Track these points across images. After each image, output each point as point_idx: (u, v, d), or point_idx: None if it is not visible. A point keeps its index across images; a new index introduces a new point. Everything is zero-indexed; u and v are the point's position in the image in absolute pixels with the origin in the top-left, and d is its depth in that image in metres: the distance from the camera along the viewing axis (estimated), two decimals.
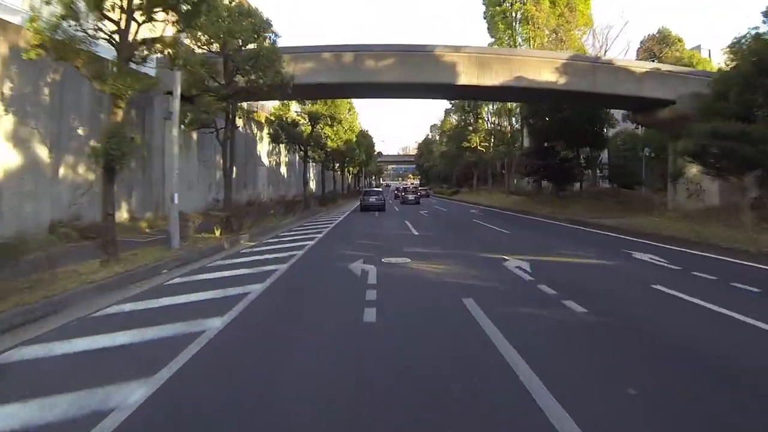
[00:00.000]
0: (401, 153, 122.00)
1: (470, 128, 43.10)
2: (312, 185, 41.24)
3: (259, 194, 25.90)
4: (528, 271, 6.87)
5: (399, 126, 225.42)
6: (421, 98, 26.55)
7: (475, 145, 40.29)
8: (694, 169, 15.32)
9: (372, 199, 23.71)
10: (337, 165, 40.41)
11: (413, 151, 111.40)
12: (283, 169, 32.19)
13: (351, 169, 47.43)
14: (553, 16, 29.53)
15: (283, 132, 23.73)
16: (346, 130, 31.30)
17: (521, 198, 29.17)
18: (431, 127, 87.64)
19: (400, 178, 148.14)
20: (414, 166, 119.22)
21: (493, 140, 39.73)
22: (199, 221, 11.54)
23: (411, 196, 30.92)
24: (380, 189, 31.72)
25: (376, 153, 57.06)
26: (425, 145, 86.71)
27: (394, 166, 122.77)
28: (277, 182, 30.46)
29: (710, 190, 16.92)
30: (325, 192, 32.80)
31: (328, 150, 30.31)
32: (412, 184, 72.21)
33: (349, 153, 36.00)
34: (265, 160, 28.39)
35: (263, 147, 27.52)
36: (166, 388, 2.87)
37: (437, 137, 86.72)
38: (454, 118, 58.44)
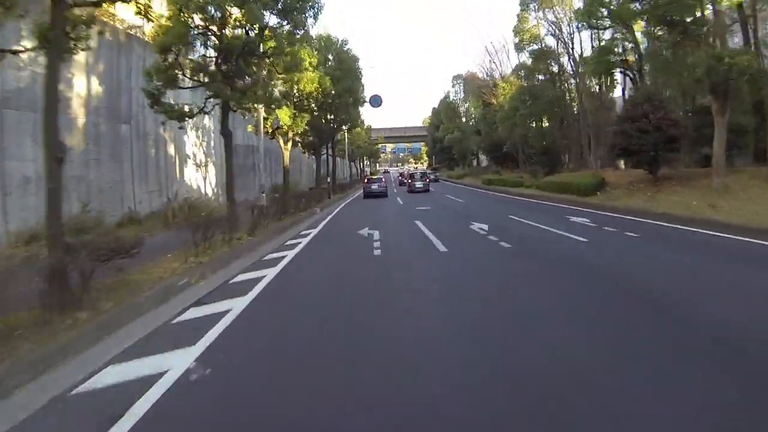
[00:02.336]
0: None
1: None
2: (211, 176, 16.91)
3: None
4: None
5: (398, 111, 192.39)
6: None
7: None
8: None
9: (374, 186, 24.77)
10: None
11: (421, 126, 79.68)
12: None
13: (297, 124, 15.75)
14: None
15: None
16: None
17: None
18: (453, 78, 55.35)
19: (399, 163, 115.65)
20: (420, 144, 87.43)
21: None
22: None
23: (419, 184, 27.51)
24: (382, 177, 29.99)
25: (363, 97, 25.37)
26: (446, 109, 54.85)
27: (393, 146, 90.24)
28: None
29: None
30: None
31: None
32: (416, 168, 66.28)
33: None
34: None
35: None
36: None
37: (461, 97, 54.72)
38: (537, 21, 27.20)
